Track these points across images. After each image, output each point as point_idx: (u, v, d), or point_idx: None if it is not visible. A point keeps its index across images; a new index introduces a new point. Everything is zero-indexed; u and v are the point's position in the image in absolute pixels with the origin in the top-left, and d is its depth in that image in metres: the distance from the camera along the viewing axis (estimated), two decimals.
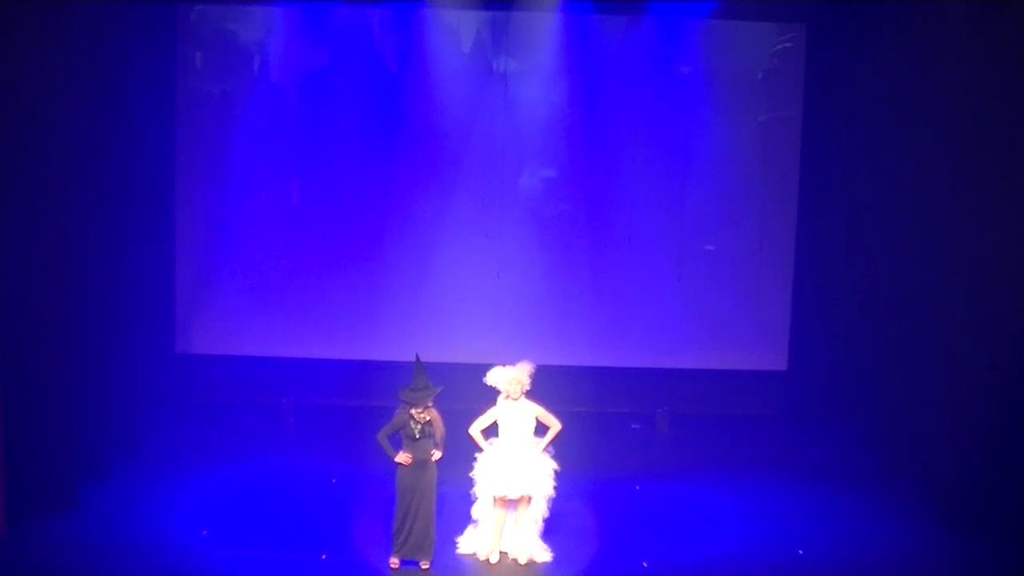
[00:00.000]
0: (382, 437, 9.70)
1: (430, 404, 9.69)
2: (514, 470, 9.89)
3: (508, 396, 9.98)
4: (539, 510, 10.09)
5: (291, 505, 11.10)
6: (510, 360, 10.14)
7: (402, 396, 9.69)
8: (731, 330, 14.39)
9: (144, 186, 12.79)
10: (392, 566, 9.74)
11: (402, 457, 9.65)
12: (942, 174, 11.48)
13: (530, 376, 10.00)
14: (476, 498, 10.15)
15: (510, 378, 9.96)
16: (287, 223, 14.20)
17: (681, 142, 14.17)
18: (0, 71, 10.11)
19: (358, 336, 14.27)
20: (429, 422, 9.66)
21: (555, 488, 10.07)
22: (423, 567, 9.72)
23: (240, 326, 14.24)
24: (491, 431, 10.08)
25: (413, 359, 9.76)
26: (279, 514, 10.86)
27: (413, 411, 9.64)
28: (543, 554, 10.04)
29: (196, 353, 14.26)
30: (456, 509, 10.37)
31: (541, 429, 10.06)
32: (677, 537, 10.64)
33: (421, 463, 9.67)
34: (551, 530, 10.22)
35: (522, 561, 9.96)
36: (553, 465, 10.04)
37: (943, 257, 11.45)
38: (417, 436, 9.63)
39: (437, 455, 9.74)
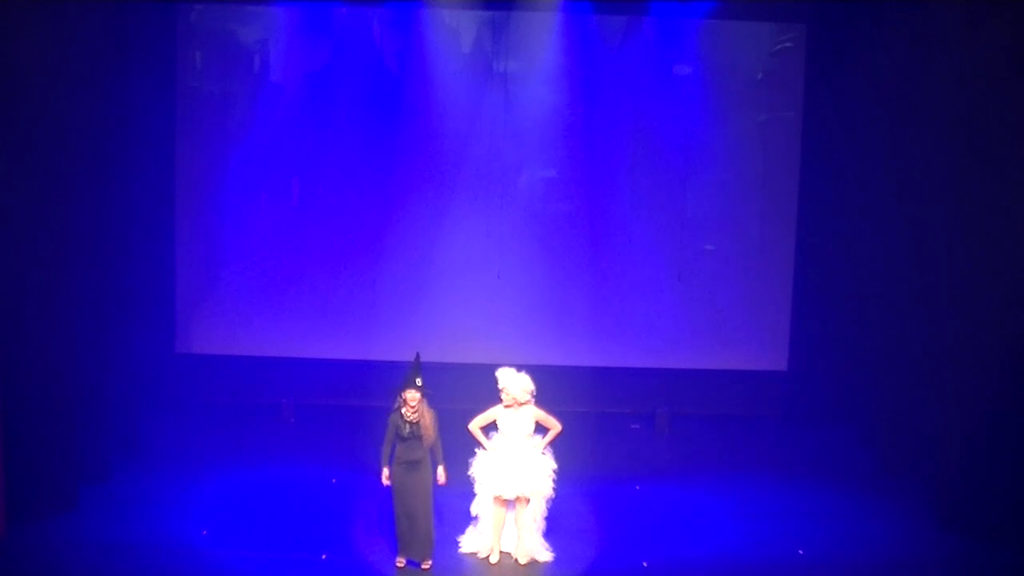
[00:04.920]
0: (385, 447, 9.70)
1: (416, 404, 9.61)
2: (511, 470, 9.90)
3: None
4: (539, 510, 10.09)
5: (291, 505, 11.11)
6: (516, 362, 10.16)
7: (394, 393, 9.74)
8: (731, 330, 14.39)
9: (144, 186, 12.80)
10: (398, 564, 9.77)
11: (384, 476, 9.66)
12: (942, 174, 11.49)
13: (524, 391, 9.94)
14: (475, 495, 10.15)
15: (502, 382, 9.97)
16: (287, 223, 14.20)
17: (681, 142, 14.15)
18: (0, 71, 10.12)
19: (358, 336, 14.26)
20: (418, 424, 9.63)
21: (555, 489, 10.08)
22: (423, 567, 9.73)
23: (240, 326, 14.24)
24: (491, 429, 10.09)
25: (413, 359, 9.76)
26: (279, 514, 10.86)
27: (403, 410, 9.63)
28: (544, 554, 10.04)
29: (196, 353, 14.26)
30: (456, 509, 10.38)
31: (541, 431, 10.06)
32: (677, 537, 10.64)
33: (412, 464, 9.64)
34: (551, 530, 10.23)
35: (523, 561, 9.96)
36: (552, 465, 10.05)
37: (943, 257, 11.46)
38: (405, 435, 9.61)
39: (441, 477, 9.74)
